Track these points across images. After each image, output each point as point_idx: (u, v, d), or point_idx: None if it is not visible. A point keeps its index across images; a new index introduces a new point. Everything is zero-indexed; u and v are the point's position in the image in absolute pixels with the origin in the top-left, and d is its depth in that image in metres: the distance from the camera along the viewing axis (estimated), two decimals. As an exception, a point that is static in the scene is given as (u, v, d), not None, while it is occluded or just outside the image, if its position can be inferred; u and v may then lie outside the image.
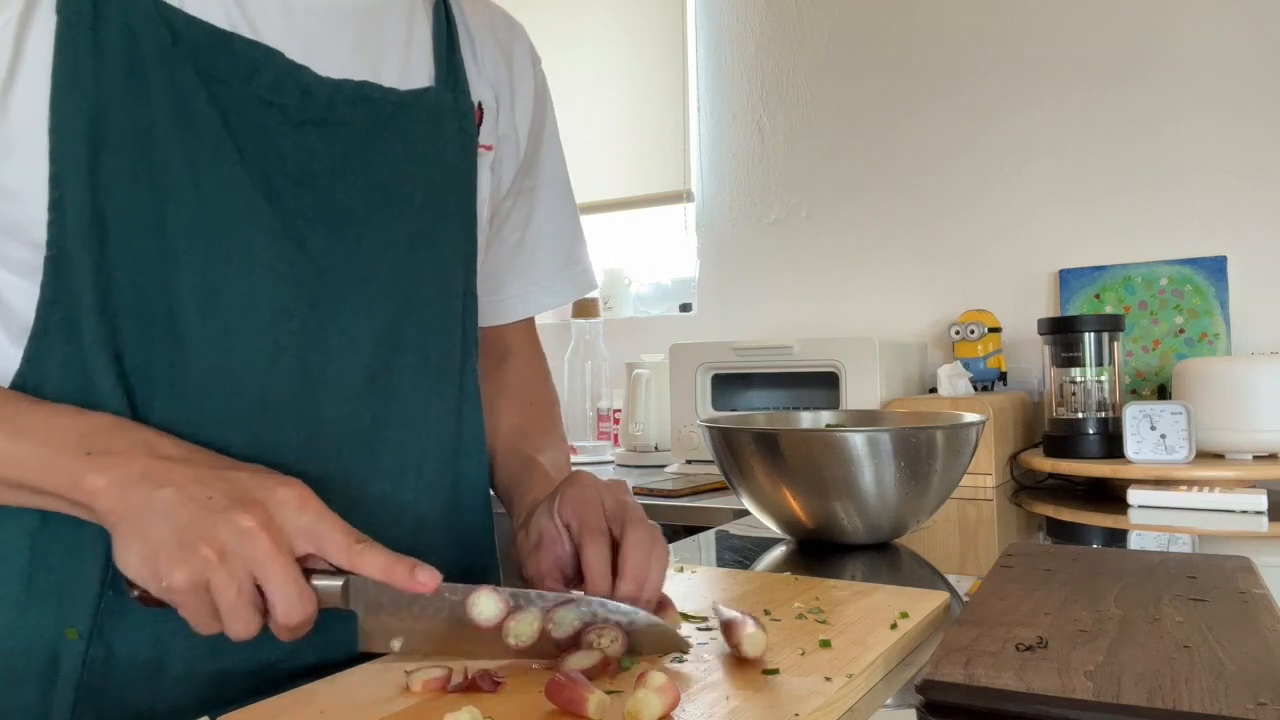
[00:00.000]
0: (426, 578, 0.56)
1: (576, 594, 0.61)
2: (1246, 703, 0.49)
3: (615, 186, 2.38)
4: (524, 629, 0.59)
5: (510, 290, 0.94)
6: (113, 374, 0.61)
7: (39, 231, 0.60)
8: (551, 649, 0.60)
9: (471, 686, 0.55)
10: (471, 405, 0.82)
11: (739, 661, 0.60)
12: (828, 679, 0.56)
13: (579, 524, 0.67)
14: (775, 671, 0.58)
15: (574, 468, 0.82)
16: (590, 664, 0.57)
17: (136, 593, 0.56)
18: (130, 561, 0.54)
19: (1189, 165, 1.73)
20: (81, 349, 0.61)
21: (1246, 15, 1.69)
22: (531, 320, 0.99)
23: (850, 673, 0.57)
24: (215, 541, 0.53)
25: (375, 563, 0.56)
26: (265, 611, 0.55)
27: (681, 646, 0.62)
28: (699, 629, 0.67)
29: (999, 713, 0.52)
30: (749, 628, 0.59)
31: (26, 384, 0.61)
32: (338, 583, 0.57)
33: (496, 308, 0.93)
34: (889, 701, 0.58)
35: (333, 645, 0.68)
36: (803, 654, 0.61)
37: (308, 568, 0.56)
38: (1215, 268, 1.70)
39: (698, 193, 2.28)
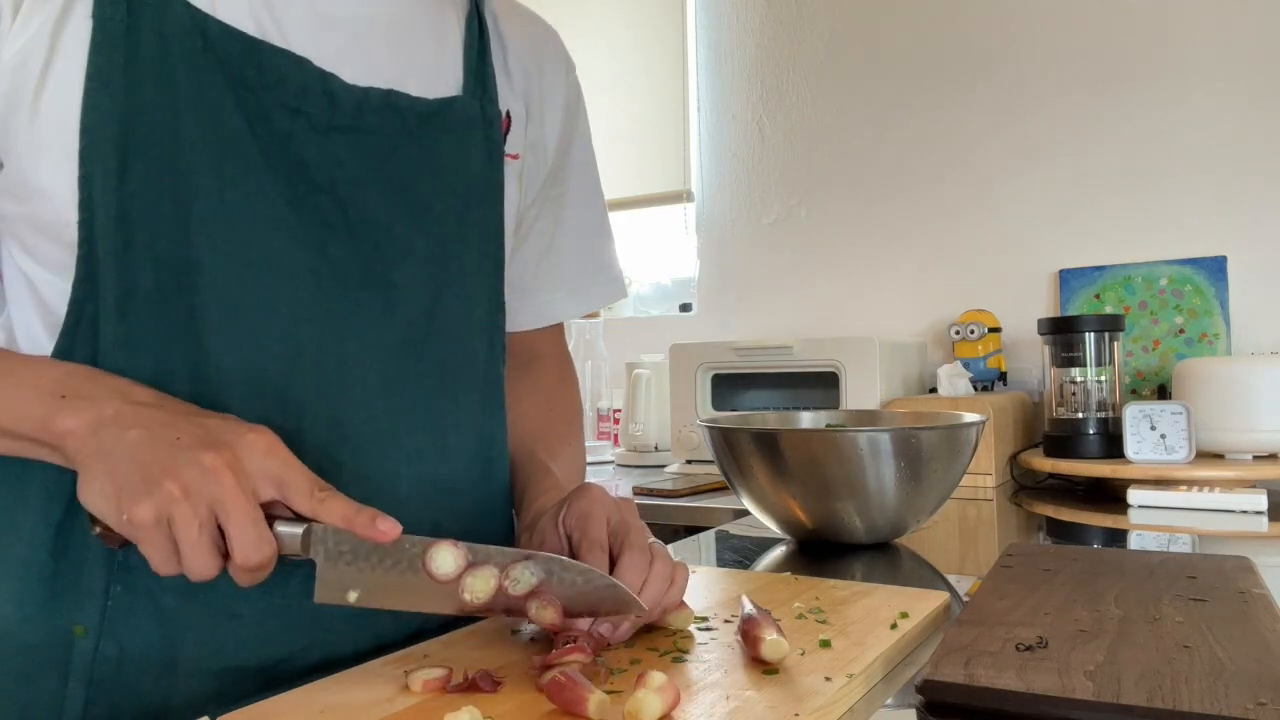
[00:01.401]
0: (387, 526, 0.56)
1: (534, 551, 0.61)
2: (1246, 703, 0.49)
3: (615, 186, 2.37)
4: (479, 585, 0.59)
5: (537, 296, 0.93)
6: (133, 373, 0.61)
7: (71, 231, 0.61)
8: (506, 605, 0.60)
9: (471, 686, 0.55)
10: (494, 412, 0.81)
11: (739, 661, 0.60)
12: (828, 679, 0.56)
13: (580, 535, 0.67)
14: (775, 671, 0.58)
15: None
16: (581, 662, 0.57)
17: (98, 529, 0.56)
18: (93, 495, 0.54)
19: (1189, 165, 1.73)
20: (104, 348, 0.62)
21: (1247, 15, 1.69)
22: (560, 326, 0.99)
23: (850, 673, 0.57)
24: (180, 478, 0.53)
25: (337, 510, 0.56)
26: (226, 555, 0.55)
27: (634, 607, 0.62)
28: (700, 629, 0.67)
29: (999, 713, 0.52)
30: (771, 634, 0.59)
31: None
32: (298, 529, 0.56)
33: (523, 313, 0.93)
34: (889, 701, 0.58)
35: (340, 642, 0.68)
36: (803, 654, 0.61)
37: (271, 514, 0.56)
38: (1215, 268, 1.70)
39: (698, 193, 2.28)
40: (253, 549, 0.54)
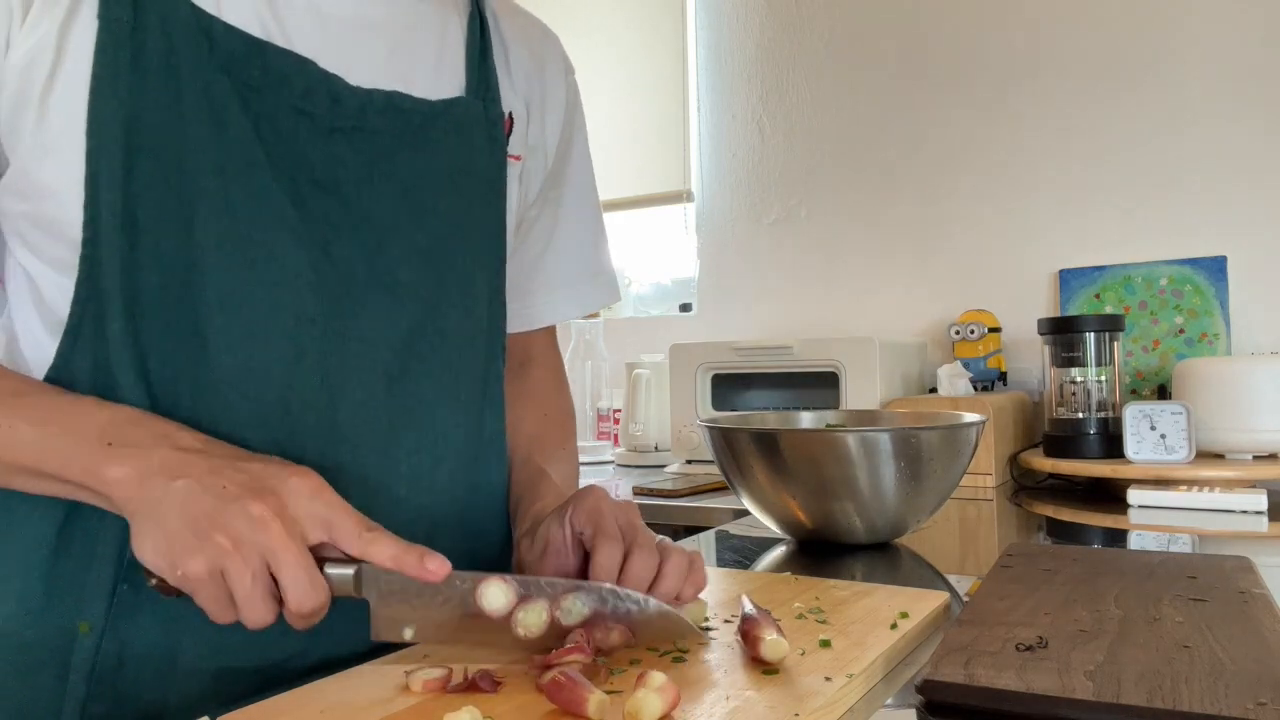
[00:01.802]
0: (436, 565, 0.56)
1: (584, 582, 0.62)
2: (1246, 703, 0.49)
3: (615, 186, 2.38)
4: (532, 619, 0.59)
5: (533, 298, 0.94)
6: (136, 372, 0.62)
7: (75, 231, 0.61)
8: (561, 638, 0.60)
9: (471, 686, 0.55)
10: (494, 412, 0.82)
11: (739, 661, 0.60)
12: (828, 679, 0.56)
13: (594, 529, 0.67)
14: (775, 671, 0.58)
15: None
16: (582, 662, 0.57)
17: (154, 581, 0.56)
18: (147, 551, 0.55)
19: (1189, 166, 1.73)
20: (108, 347, 0.62)
21: (1246, 17, 1.69)
22: (553, 328, 0.99)
23: (850, 673, 0.57)
24: (229, 530, 0.53)
25: (385, 550, 0.56)
26: (281, 600, 0.55)
27: (688, 634, 0.62)
28: (700, 628, 0.67)
29: (999, 713, 0.52)
30: (771, 634, 0.59)
31: (60, 378, 0.63)
32: (350, 571, 0.57)
33: (519, 315, 0.93)
34: (889, 701, 0.58)
35: (340, 643, 0.68)
36: (803, 654, 0.61)
37: (321, 556, 0.57)
38: (1215, 268, 1.70)
39: (698, 193, 2.28)
40: (307, 596, 0.55)
